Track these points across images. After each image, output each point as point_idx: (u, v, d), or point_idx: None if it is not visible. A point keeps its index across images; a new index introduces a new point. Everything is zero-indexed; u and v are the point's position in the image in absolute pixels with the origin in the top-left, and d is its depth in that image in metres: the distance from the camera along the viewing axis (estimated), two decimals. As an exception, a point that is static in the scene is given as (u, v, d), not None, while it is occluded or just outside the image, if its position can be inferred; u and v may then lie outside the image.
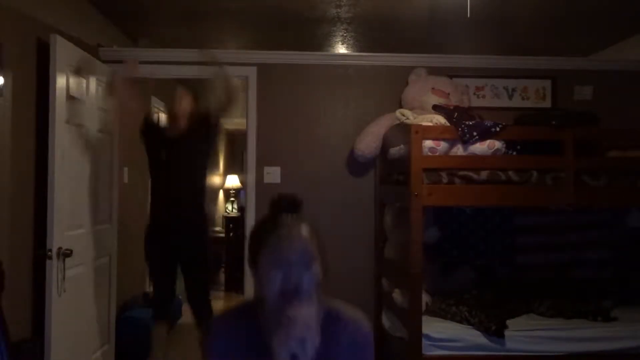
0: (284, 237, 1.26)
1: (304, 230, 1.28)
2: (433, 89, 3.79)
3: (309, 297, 1.22)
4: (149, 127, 3.45)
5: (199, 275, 3.35)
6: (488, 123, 3.07)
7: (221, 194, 9.14)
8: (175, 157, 3.28)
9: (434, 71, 3.97)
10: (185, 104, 3.33)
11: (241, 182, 9.03)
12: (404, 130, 3.18)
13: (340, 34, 4.22)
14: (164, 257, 3.30)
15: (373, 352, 1.36)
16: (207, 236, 3.45)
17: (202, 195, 3.40)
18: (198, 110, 3.36)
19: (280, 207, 1.32)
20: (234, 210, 9.06)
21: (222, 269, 7.32)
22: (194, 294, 3.34)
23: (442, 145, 3.03)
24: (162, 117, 3.63)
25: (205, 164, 3.46)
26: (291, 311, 1.20)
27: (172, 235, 3.25)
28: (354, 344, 1.34)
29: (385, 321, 3.57)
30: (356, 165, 3.98)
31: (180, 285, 3.46)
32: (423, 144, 2.97)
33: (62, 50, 2.98)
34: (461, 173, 2.98)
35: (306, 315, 1.20)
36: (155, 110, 5.38)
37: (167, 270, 3.32)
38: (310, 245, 1.26)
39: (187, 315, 3.17)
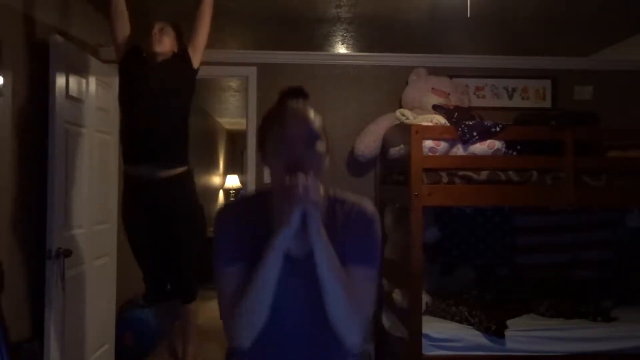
0: (290, 116, 1.34)
1: (310, 112, 1.35)
2: (433, 89, 3.79)
3: (313, 172, 1.27)
4: (130, 53, 2.97)
5: (185, 245, 2.87)
6: (488, 123, 3.07)
7: (221, 194, 9.14)
8: (152, 91, 2.81)
9: (434, 71, 3.97)
10: (166, 42, 2.89)
11: (241, 182, 9.03)
12: (404, 130, 3.18)
13: (340, 34, 4.22)
14: (145, 226, 2.88)
15: (380, 230, 1.40)
16: (194, 200, 2.95)
17: (185, 142, 2.93)
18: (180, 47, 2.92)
19: (288, 94, 1.39)
20: (234, 210, 9.03)
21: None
22: (177, 273, 2.87)
23: (442, 145, 3.03)
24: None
25: (186, 105, 2.96)
26: (297, 180, 1.23)
27: (153, 195, 2.82)
28: (361, 224, 1.38)
29: (385, 321, 3.57)
30: (356, 165, 3.98)
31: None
32: (423, 144, 2.97)
33: (62, 50, 2.98)
34: (461, 173, 2.99)
35: (312, 185, 1.24)
36: None
37: (152, 240, 2.89)
38: (314, 125, 1.33)
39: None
